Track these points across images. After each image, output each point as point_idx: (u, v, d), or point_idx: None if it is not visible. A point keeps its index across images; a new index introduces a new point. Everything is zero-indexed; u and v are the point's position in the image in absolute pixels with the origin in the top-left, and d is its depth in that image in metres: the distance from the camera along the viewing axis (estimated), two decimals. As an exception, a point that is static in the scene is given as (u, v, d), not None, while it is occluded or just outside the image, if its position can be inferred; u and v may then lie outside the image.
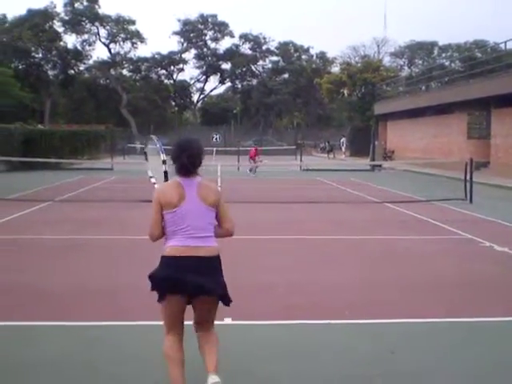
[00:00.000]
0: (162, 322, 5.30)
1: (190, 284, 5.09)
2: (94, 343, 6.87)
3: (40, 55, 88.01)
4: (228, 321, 7.53)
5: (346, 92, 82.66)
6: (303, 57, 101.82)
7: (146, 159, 6.29)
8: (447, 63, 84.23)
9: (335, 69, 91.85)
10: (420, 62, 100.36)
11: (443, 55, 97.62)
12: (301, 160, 44.87)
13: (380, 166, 42.33)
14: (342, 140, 68.16)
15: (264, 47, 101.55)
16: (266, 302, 8.58)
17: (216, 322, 7.37)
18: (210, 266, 5.31)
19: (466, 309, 8.45)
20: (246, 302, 8.46)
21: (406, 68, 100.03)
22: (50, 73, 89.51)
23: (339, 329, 7.47)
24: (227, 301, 5.52)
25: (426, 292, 9.21)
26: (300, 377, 6.01)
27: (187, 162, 5.20)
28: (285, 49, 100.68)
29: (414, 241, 14.05)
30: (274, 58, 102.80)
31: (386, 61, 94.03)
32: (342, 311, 8.08)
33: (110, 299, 8.65)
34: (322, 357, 6.49)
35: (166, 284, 5.11)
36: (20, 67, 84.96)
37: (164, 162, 6.00)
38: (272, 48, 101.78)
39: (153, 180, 5.86)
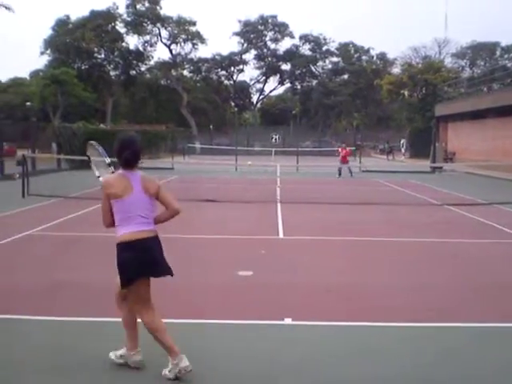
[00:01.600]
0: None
1: (157, 265, 5.92)
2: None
3: (102, 56, 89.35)
4: (288, 321, 7.53)
5: (406, 93, 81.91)
6: (363, 58, 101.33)
7: (91, 165, 6.54)
8: (510, 64, 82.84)
9: (395, 70, 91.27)
10: (482, 63, 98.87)
11: (506, 56, 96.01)
12: (360, 161, 44.64)
13: (441, 168, 41.80)
14: (401, 141, 67.59)
15: (324, 48, 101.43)
16: (326, 303, 8.54)
17: (276, 322, 7.47)
18: (159, 244, 6.02)
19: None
20: (306, 303, 8.49)
21: (467, 69, 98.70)
22: (112, 73, 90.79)
23: (400, 331, 7.41)
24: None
25: (489, 296, 9.09)
26: (361, 379, 5.98)
27: (131, 157, 5.83)
28: (345, 49, 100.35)
29: (475, 244, 13.86)
30: (334, 59, 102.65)
31: (448, 62, 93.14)
32: (403, 314, 8.04)
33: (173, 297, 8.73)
34: (382, 359, 6.46)
35: (136, 268, 5.76)
36: (83, 68, 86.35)
37: (110, 164, 6.38)
38: (332, 49, 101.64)
39: (100, 179, 6.18)
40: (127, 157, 5.82)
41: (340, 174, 36.39)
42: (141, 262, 5.75)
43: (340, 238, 14.23)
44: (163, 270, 6.02)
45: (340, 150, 38.30)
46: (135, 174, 5.85)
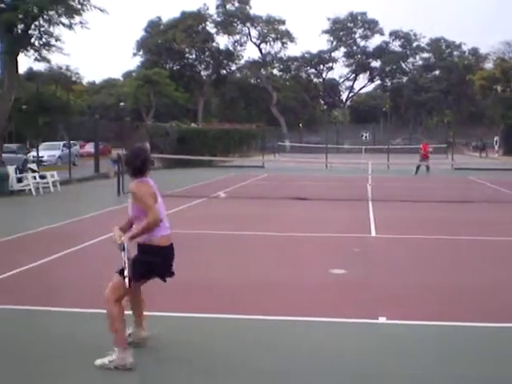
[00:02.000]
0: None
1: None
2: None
3: (193, 56, 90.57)
4: (382, 320, 7.52)
5: (499, 88, 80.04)
6: (455, 53, 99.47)
7: None
8: None
9: (488, 65, 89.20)
10: None
11: None
12: (452, 158, 43.92)
13: (537, 165, 40.76)
14: (495, 138, 66.11)
15: (414, 44, 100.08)
16: (421, 302, 8.47)
17: (370, 321, 7.47)
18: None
19: None
20: (400, 302, 8.46)
21: None
22: (203, 73, 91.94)
23: (499, 332, 7.31)
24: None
25: None
26: (455, 378, 5.92)
27: (147, 166, 6.28)
28: (436, 45, 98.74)
29: None
30: (425, 55, 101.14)
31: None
32: (503, 314, 7.92)
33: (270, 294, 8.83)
34: (474, 359, 6.39)
35: (159, 270, 6.22)
36: (174, 68, 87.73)
37: None
38: (423, 45, 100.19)
39: None
40: (145, 165, 6.30)
41: (417, 172, 36.02)
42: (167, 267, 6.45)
43: (433, 236, 14.05)
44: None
45: (422, 146, 37.95)
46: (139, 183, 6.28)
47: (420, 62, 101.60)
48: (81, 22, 27.28)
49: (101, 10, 28.30)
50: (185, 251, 12.10)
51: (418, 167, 36.22)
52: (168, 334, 6.88)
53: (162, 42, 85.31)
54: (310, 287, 9.20)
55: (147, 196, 6.12)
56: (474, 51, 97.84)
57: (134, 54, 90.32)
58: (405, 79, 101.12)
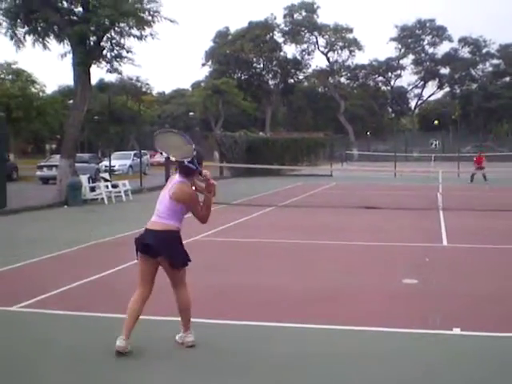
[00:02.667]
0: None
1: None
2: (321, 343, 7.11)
3: (261, 65, 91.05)
4: (457, 331, 7.42)
5: None
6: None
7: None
8: None
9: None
10: None
11: None
12: (525, 167, 43.10)
13: None
14: None
15: (484, 50, 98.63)
16: (496, 313, 8.34)
17: (443, 332, 7.39)
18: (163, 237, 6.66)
19: None
20: (475, 313, 8.37)
21: None
22: (271, 82, 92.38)
23: None
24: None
25: None
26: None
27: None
28: (506, 51, 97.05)
29: None
30: (495, 61, 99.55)
31: None
32: None
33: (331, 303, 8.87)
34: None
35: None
36: (242, 78, 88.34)
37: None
38: (492, 51, 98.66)
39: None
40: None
41: (472, 180, 35.92)
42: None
43: (506, 246, 13.87)
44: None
45: (476, 159, 37.58)
46: (175, 180, 6.69)
47: (490, 69, 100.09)
48: (151, 34, 27.63)
49: (171, 21, 28.65)
50: (254, 258, 12.25)
51: (472, 176, 36.18)
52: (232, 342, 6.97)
53: (230, 51, 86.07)
54: (382, 297, 9.17)
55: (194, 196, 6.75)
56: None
57: (203, 65, 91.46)
58: (474, 86, 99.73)
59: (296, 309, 8.51)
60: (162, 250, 6.56)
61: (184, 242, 6.63)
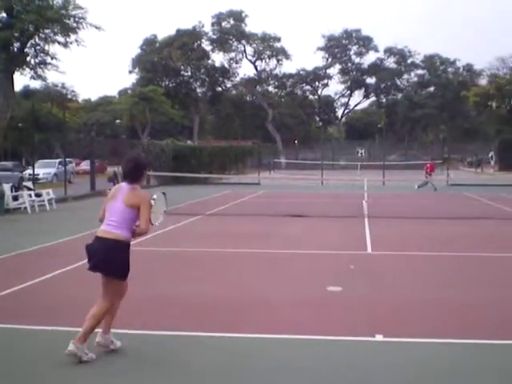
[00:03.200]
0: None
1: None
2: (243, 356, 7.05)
3: (189, 73, 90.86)
4: (379, 338, 7.49)
5: (494, 104, 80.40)
6: (449, 69, 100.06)
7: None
8: None
9: (483, 81, 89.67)
10: None
11: None
12: (447, 175, 43.94)
13: (532, 181, 40.77)
14: (490, 154, 66.38)
15: (409, 61, 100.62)
16: (419, 320, 8.43)
17: (366, 339, 7.43)
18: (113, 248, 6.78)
19: None
20: (398, 319, 8.43)
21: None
22: (199, 90, 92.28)
23: (494, 349, 7.29)
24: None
25: None
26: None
27: (124, 172, 6.93)
28: (430, 62, 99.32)
29: None
30: (420, 72, 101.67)
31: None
32: (495, 331, 7.90)
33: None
34: (476, 378, 6.37)
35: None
36: (170, 85, 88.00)
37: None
38: (417, 61, 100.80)
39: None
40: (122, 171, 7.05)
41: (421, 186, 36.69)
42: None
43: (430, 253, 14.04)
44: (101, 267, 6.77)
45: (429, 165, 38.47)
46: (127, 187, 6.82)
47: (415, 79, 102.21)
48: (76, 40, 27.36)
49: (96, 28, 28.45)
50: (182, 268, 12.12)
51: (426, 183, 36.98)
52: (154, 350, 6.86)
53: (158, 59, 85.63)
54: (305, 305, 9.17)
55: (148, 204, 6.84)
56: (469, 67, 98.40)
57: (130, 72, 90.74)
58: (400, 96, 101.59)
59: (220, 318, 8.42)
60: (107, 261, 6.68)
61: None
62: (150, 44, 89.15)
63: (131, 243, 6.89)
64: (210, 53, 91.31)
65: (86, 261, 6.93)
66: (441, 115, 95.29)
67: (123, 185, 6.84)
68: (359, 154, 79.16)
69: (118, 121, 72.94)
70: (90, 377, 6.20)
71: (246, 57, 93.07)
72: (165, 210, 7.28)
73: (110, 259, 6.68)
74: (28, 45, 26.23)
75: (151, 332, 7.71)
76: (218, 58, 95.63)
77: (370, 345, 7.35)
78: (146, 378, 6.20)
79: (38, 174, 36.81)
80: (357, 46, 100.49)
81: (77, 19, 27.26)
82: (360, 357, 6.92)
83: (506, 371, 6.47)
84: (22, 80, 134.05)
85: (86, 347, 6.51)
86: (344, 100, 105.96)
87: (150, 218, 6.79)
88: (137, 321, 8.11)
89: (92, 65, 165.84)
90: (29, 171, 37.40)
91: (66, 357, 6.41)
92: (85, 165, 50.07)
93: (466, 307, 9.11)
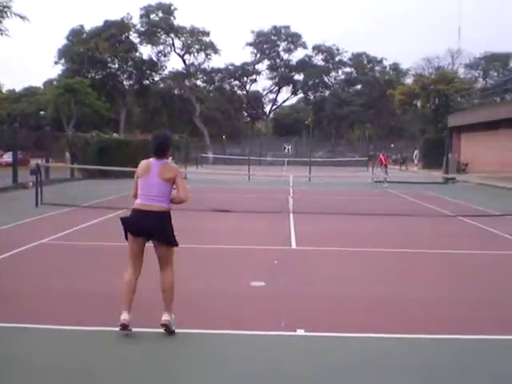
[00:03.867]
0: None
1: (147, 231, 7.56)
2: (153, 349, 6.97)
3: (116, 66, 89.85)
4: (301, 332, 7.51)
5: (419, 104, 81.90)
6: (376, 68, 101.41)
7: None
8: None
9: (408, 80, 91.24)
10: (495, 73, 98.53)
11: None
12: (372, 171, 44.59)
13: (453, 178, 41.70)
14: (414, 152, 67.60)
15: (337, 58, 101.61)
16: (340, 314, 8.52)
17: (287, 333, 7.45)
18: (159, 218, 7.52)
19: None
20: (320, 314, 8.47)
21: (480, 80, 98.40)
22: (126, 83, 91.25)
23: (413, 343, 7.38)
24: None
25: (502, 308, 9.06)
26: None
27: (154, 149, 7.51)
28: (358, 60, 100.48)
29: (488, 255, 13.81)
30: (347, 70, 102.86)
31: (461, 72, 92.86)
32: (418, 325, 8.00)
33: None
34: (394, 372, 6.44)
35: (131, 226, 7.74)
36: (97, 77, 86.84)
37: None
38: (345, 59, 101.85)
39: None
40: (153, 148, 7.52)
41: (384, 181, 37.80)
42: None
43: (352, 248, 14.19)
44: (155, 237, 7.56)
45: (381, 156, 39.43)
46: (158, 163, 7.44)
47: (342, 77, 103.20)
48: (0, 30, 26.64)
49: (21, 17, 27.77)
50: (103, 263, 11.93)
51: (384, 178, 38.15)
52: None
53: (85, 50, 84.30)
54: (229, 300, 9.15)
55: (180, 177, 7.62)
56: (395, 66, 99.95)
57: (56, 63, 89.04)
58: (327, 93, 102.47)
59: (141, 314, 8.30)
60: (159, 231, 7.44)
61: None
62: (76, 35, 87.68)
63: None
64: (138, 45, 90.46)
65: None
66: (367, 113, 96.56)
67: (152, 161, 7.45)
68: (286, 150, 79.54)
69: (42, 112, 71.57)
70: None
71: (175, 50, 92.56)
72: None
73: (162, 228, 7.47)
74: (-51, 33, 25.45)
75: (66, 327, 7.54)
76: (146, 51, 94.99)
77: (291, 339, 7.36)
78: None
79: (-43, 166, 35.89)
80: (285, 43, 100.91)
81: (0, 8, 26.52)
82: (281, 351, 6.93)
83: (431, 365, 6.57)
84: None
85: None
86: (272, 96, 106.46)
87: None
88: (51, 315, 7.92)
89: (17, 55, 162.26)
90: None
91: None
92: (7, 157, 48.95)
93: (388, 302, 9.23)
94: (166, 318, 7.22)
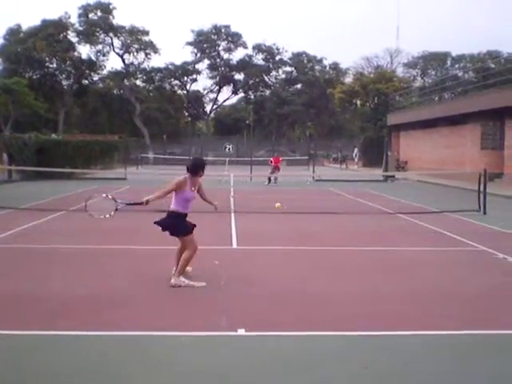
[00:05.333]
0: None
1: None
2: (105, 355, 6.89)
3: (54, 65, 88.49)
4: (241, 332, 7.51)
5: (358, 102, 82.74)
6: (316, 67, 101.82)
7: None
8: (460, 74, 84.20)
9: (348, 79, 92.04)
10: (433, 72, 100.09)
11: (456, 66, 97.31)
12: (313, 170, 44.83)
13: (393, 176, 42.21)
14: (354, 150, 68.26)
15: (277, 58, 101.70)
16: (281, 313, 8.54)
17: (228, 333, 7.45)
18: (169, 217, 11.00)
19: (478, 320, 8.41)
20: (261, 313, 8.47)
21: (419, 78, 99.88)
22: (64, 83, 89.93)
23: (351, 340, 7.44)
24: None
25: (438, 304, 9.19)
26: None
27: (190, 169, 10.80)
28: (298, 59, 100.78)
29: (426, 252, 14.03)
30: (288, 69, 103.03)
31: (399, 71, 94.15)
32: (354, 322, 8.07)
33: (99, 308, 8.67)
34: (332, 369, 6.48)
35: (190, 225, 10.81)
36: (34, 77, 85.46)
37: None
38: (285, 59, 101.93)
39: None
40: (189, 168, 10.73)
41: (269, 182, 37.69)
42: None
43: (293, 247, 14.28)
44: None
45: (272, 159, 40.03)
46: (192, 179, 10.76)
47: (283, 76, 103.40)
48: None
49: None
50: (41, 265, 11.74)
51: (269, 178, 37.70)
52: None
53: (22, 50, 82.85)
54: (170, 301, 9.12)
55: (171, 183, 10.65)
56: (335, 66, 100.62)
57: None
58: (268, 92, 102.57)
59: (89, 315, 8.21)
60: (169, 228, 10.80)
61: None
62: (13, 34, 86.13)
63: None
64: (77, 45, 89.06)
65: None
66: (308, 112, 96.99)
67: (187, 176, 10.68)
68: (227, 150, 79.47)
69: (-22, 113, 70.20)
70: None
71: (114, 50, 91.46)
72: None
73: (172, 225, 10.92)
74: None
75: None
76: (85, 50, 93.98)
77: (231, 339, 7.35)
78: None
79: None
80: (226, 42, 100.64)
81: None
82: (221, 352, 6.91)
83: (372, 362, 6.61)
84: None
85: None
86: (213, 95, 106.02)
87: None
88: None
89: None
90: None
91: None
92: None
93: (328, 300, 9.28)
94: (172, 280, 10.00)
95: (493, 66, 73.91)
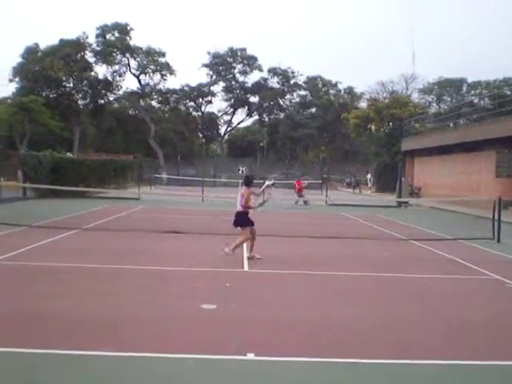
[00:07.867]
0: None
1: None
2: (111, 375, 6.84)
3: (71, 85, 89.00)
4: (251, 356, 7.44)
5: (373, 127, 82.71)
6: (331, 91, 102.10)
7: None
8: (476, 100, 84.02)
9: (363, 104, 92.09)
10: (448, 98, 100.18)
11: (472, 92, 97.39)
12: (326, 194, 44.76)
13: (406, 202, 42.04)
14: (368, 175, 68.11)
15: (292, 81, 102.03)
16: (291, 338, 8.44)
17: (237, 357, 7.37)
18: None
19: (492, 350, 8.30)
20: (270, 338, 8.40)
21: (434, 105, 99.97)
22: (81, 102, 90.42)
23: (362, 368, 7.35)
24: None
25: (451, 332, 9.10)
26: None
27: (244, 182, 16.37)
28: (313, 83, 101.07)
29: (439, 280, 13.92)
30: (302, 93, 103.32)
31: (415, 97, 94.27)
32: (366, 349, 7.98)
33: (111, 330, 8.62)
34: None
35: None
36: (51, 96, 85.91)
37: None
38: (300, 82, 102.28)
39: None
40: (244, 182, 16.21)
41: (305, 203, 40.27)
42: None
43: (305, 271, 14.19)
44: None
45: (295, 183, 41.44)
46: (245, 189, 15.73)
47: (297, 99, 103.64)
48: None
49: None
50: (54, 284, 11.70)
51: (304, 201, 40.51)
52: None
53: (39, 69, 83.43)
54: (179, 323, 9.04)
55: (248, 195, 15.44)
56: (350, 90, 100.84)
57: (10, 81, 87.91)
58: (282, 115, 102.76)
59: (86, 335, 8.16)
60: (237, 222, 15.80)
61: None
62: (31, 53, 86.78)
63: None
64: (94, 65, 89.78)
65: None
66: (321, 136, 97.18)
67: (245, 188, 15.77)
68: (240, 172, 79.51)
69: (-6, 131, 70.55)
70: None
71: (130, 70, 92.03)
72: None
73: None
74: None
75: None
76: (102, 71, 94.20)
77: (241, 363, 7.28)
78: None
79: None
80: (241, 65, 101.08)
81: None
82: (230, 375, 6.85)
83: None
84: None
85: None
86: (227, 117, 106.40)
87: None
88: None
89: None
90: None
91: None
92: None
93: (338, 326, 9.20)
94: (227, 250, 15.42)
95: (509, 93, 73.70)
